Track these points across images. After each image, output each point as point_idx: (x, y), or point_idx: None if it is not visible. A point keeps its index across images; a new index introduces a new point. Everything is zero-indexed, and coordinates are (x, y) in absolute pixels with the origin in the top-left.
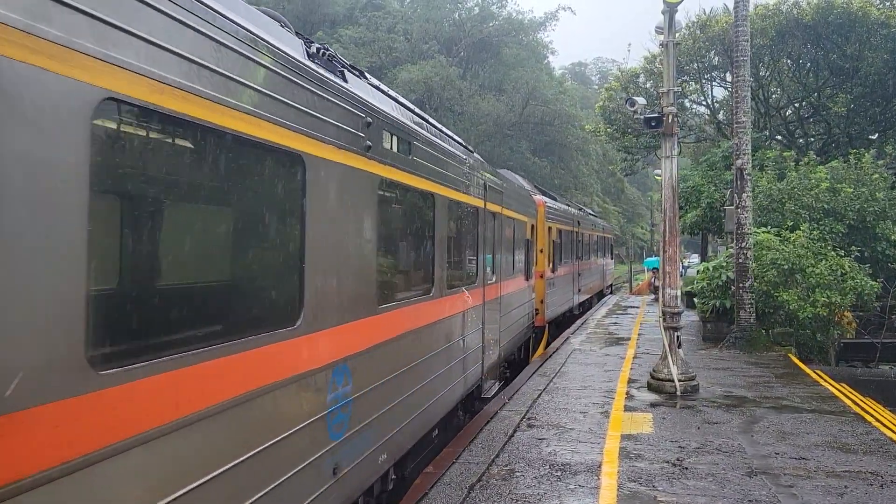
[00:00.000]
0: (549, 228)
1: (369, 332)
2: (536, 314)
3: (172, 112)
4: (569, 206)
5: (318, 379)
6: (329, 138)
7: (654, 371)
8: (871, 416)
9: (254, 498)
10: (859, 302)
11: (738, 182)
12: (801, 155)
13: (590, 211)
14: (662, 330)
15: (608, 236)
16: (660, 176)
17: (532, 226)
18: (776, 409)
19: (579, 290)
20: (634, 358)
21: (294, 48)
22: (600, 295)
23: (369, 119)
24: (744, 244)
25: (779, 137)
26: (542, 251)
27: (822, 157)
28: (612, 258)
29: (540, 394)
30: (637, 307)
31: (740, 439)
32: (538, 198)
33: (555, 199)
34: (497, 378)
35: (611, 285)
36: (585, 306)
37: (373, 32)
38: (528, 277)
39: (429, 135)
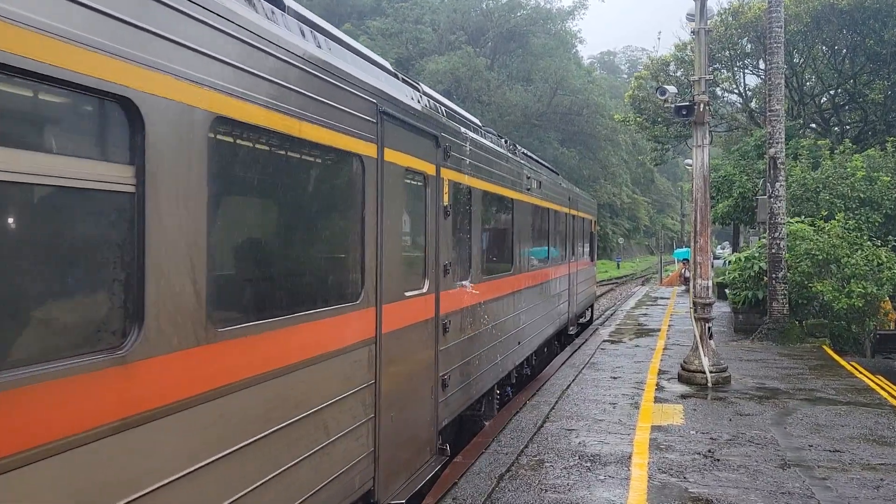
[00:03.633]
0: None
1: None
2: None
3: None
4: (407, 82)
5: None
6: None
7: (684, 362)
8: None
9: None
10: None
11: (772, 171)
12: (836, 143)
13: (538, 158)
14: (693, 321)
15: (583, 216)
16: (690, 166)
17: None
18: (810, 402)
19: (467, 379)
20: (664, 349)
21: None
22: (565, 335)
23: None
24: (777, 234)
25: (813, 126)
26: None
27: (858, 146)
28: (592, 258)
29: (569, 385)
30: (667, 298)
31: (773, 431)
32: None
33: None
34: None
35: (591, 307)
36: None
37: (400, 23)
38: None
39: None
